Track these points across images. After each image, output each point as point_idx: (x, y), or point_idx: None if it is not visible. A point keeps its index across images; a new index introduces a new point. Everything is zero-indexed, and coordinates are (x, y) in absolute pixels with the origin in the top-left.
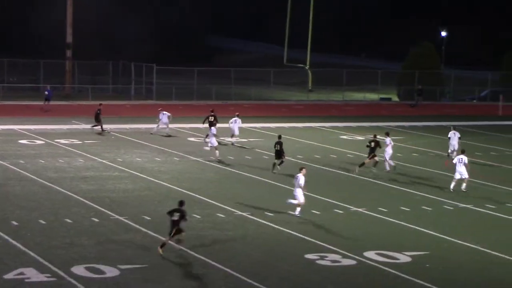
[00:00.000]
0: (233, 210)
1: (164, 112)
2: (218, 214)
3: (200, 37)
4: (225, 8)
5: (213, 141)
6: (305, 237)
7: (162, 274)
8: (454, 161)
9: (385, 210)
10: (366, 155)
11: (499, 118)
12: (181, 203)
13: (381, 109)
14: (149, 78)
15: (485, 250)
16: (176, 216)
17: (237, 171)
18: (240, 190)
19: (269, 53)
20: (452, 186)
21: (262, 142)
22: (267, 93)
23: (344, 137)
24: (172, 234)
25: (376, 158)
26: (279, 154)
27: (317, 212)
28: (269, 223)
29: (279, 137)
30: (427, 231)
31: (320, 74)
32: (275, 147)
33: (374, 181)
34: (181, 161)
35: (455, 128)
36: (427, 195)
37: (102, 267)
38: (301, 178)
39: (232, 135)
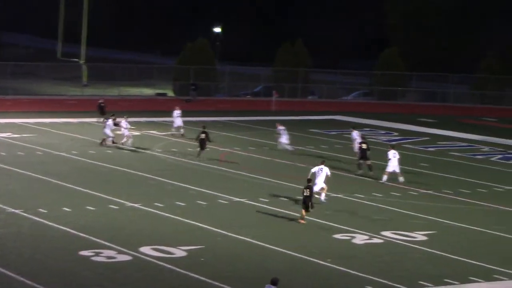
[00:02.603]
0: (4, 207)
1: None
2: None
3: None
4: None
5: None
6: (80, 234)
7: None
8: (389, 156)
9: (161, 205)
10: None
11: (272, 113)
12: (309, 180)
13: (157, 104)
14: None
15: (259, 243)
16: (307, 192)
17: (8, 167)
18: (12, 187)
19: (44, 47)
20: (384, 179)
21: (36, 138)
22: (40, 88)
23: (119, 132)
24: (308, 207)
25: (369, 162)
26: (204, 143)
27: (92, 208)
28: (42, 220)
29: (204, 127)
30: (202, 225)
31: (96, 69)
32: (199, 136)
33: (150, 176)
34: None
35: (355, 127)
36: (202, 190)
37: None
38: (326, 169)
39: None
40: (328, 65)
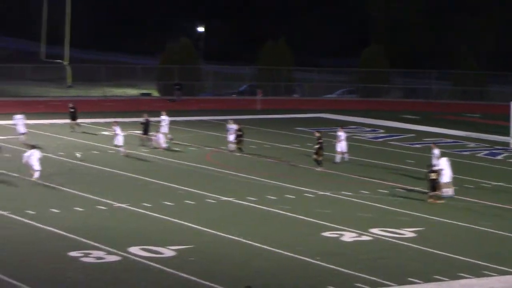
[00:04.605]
0: None
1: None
2: None
3: None
4: None
5: None
6: (68, 235)
7: None
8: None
9: (149, 205)
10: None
11: (258, 112)
12: (432, 165)
13: (141, 104)
14: None
15: (247, 241)
16: (433, 176)
17: None
18: None
19: (26, 49)
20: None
21: (20, 139)
22: (23, 90)
23: (105, 133)
24: (433, 190)
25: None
26: (240, 141)
27: (80, 209)
28: (30, 222)
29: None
30: (191, 225)
31: (80, 70)
32: (238, 132)
33: (137, 176)
34: None
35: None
36: (189, 189)
37: None
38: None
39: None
40: (311, 63)
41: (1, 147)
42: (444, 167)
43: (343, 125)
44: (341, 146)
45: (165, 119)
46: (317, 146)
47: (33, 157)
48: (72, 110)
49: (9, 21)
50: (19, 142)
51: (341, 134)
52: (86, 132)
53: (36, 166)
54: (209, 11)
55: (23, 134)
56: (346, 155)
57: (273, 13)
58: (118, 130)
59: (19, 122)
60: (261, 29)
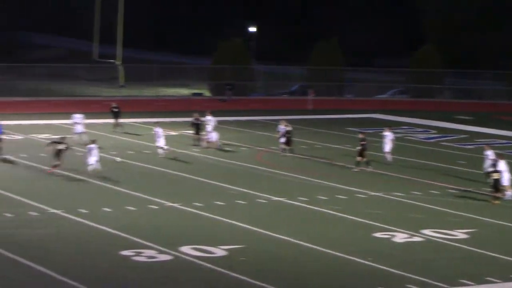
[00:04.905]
0: (46, 207)
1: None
2: (31, 212)
3: (5, 32)
4: (32, 2)
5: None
6: (120, 234)
7: None
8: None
9: (200, 204)
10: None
11: (309, 112)
12: (494, 165)
13: (192, 104)
14: None
15: (299, 242)
16: (496, 176)
17: (47, 168)
18: (52, 188)
19: (78, 48)
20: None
21: (75, 138)
22: (77, 89)
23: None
24: (496, 191)
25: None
26: (289, 142)
27: (132, 208)
28: (83, 220)
29: (287, 129)
30: (242, 224)
31: (133, 70)
32: (286, 135)
33: (188, 176)
34: None
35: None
36: (240, 189)
37: None
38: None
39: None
40: (362, 63)
41: (67, 147)
42: (503, 169)
43: (391, 125)
44: (387, 146)
45: (210, 119)
46: (359, 148)
47: (93, 152)
48: (115, 109)
49: (63, 21)
50: (74, 142)
51: (388, 134)
52: (127, 132)
53: (92, 160)
54: (261, 11)
55: (81, 133)
56: (389, 155)
57: (324, 13)
58: (160, 131)
59: (78, 121)
60: (312, 30)
